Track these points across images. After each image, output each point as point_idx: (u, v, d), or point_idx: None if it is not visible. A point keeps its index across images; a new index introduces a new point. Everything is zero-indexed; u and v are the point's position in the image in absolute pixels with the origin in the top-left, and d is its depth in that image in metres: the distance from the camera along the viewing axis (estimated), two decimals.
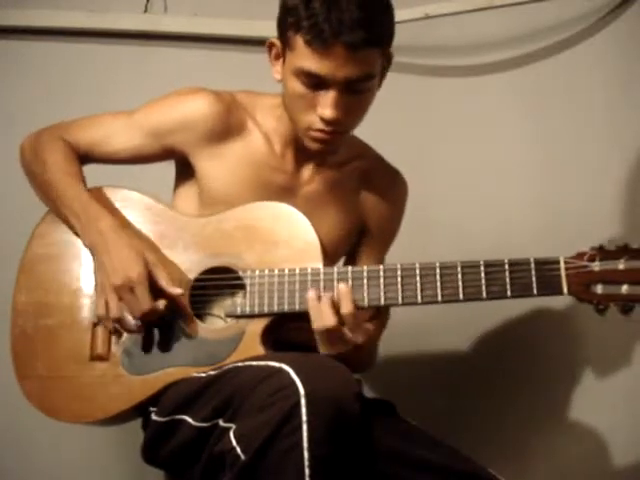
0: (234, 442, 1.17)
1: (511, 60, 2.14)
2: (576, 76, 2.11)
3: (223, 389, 1.27)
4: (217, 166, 1.46)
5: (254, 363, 1.28)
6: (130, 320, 1.35)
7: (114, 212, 1.45)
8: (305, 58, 1.31)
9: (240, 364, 1.30)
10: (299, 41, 1.31)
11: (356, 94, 1.35)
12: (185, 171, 1.51)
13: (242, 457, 1.15)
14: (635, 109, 2.05)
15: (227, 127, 1.46)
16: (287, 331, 1.42)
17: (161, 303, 1.36)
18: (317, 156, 1.48)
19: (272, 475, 1.14)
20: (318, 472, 1.12)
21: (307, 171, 1.51)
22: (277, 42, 1.39)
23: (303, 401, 1.13)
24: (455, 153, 2.10)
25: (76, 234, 1.43)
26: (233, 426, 1.20)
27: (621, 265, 1.27)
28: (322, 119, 1.35)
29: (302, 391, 1.13)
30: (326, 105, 1.34)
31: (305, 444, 1.12)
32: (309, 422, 1.12)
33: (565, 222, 2.02)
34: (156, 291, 1.36)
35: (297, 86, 1.35)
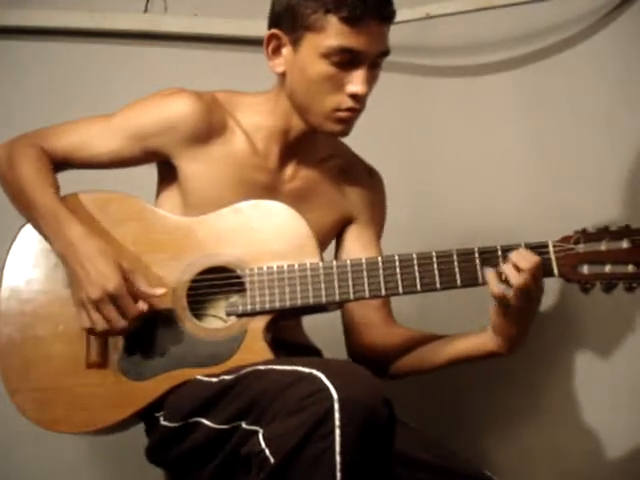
0: (263, 445, 1.16)
1: (511, 60, 2.14)
2: (576, 76, 2.11)
3: (246, 392, 1.26)
4: (200, 167, 1.46)
5: (278, 367, 1.26)
6: (118, 330, 1.34)
7: (90, 219, 1.43)
8: (340, 36, 1.35)
9: (261, 367, 1.29)
10: (331, 20, 1.35)
11: (375, 69, 1.41)
12: (168, 173, 1.50)
13: (271, 460, 1.14)
14: (634, 108, 2.06)
15: (209, 127, 1.45)
16: (279, 330, 1.42)
17: (144, 308, 1.35)
18: (300, 152, 1.50)
19: (303, 479, 1.13)
20: (349, 477, 1.12)
21: (290, 168, 1.52)
22: (280, 32, 1.40)
23: (336, 406, 1.12)
24: (455, 153, 2.10)
25: (49, 243, 1.41)
26: (260, 429, 1.19)
27: (603, 246, 1.35)
28: (353, 96, 1.39)
29: (335, 396, 1.13)
30: (358, 81, 1.38)
31: (337, 448, 1.11)
32: (342, 427, 1.11)
33: (564, 220, 2.01)
34: (137, 296, 1.35)
35: (324, 68, 1.37)
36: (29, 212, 1.42)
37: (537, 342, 1.97)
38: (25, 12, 2.07)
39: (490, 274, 1.32)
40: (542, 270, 1.32)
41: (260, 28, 2.02)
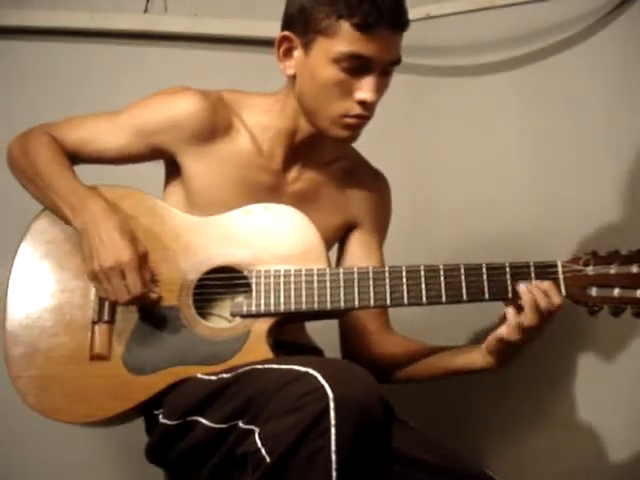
0: (259, 444, 1.17)
1: (511, 60, 2.14)
2: (576, 76, 2.11)
3: (243, 391, 1.26)
4: (204, 166, 1.46)
5: (275, 366, 1.26)
6: (123, 300, 1.35)
7: (109, 203, 1.43)
8: (352, 42, 1.34)
9: (259, 366, 1.29)
10: (344, 26, 1.34)
11: (385, 77, 1.41)
12: (174, 171, 1.51)
13: (267, 459, 1.15)
14: (634, 109, 2.06)
15: (214, 126, 1.46)
16: (282, 331, 1.42)
17: (154, 293, 1.37)
18: (306, 154, 1.50)
19: (298, 478, 1.13)
20: (345, 475, 1.12)
21: (294, 170, 1.52)
22: (292, 35, 1.40)
23: (332, 405, 1.12)
24: (455, 152, 2.10)
25: (67, 223, 1.42)
26: (256, 428, 1.20)
27: (612, 270, 1.34)
28: (362, 103, 1.38)
29: (331, 395, 1.13)
30: (367, 89, 1.37)
31: (333, 447, 1.11)
32: (337, 426, 1.12)
33: (564, 220, 2.03)
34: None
35: (334, 73, 1.37)
36: (47, 195, 1.43)
37: (538, 345, 1.97)
38: (25, 12, 2.07)
39: (511, 314, 1.33)
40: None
41: (260, 28, 2.05)
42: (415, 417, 1.47)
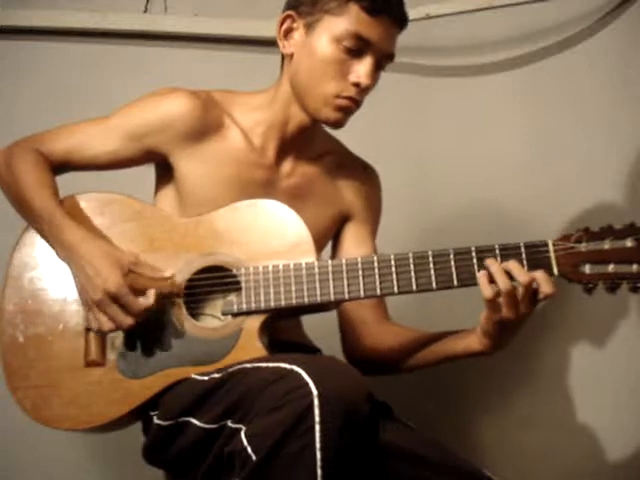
0: (245, 442, 1.16)
1: (511, 60, 2.14)
2: (576, 76, 2.11)
3: (232, 390, 1.26)
4: (197, 165, 1.46)
5: (262, 365, 1.27)
6: (125, 327, 1.35)
7: (89, 220, 1.43)
8: (358, 22, 1.39)
9: (248, 365, 1.29)
10: (352, 8, 1.40)
11: (378, 70, 1.45)
12: (165, 173, 1.51)
13: (253, 457, 1.14)
14: (634, 108, 2.06)
15: (205, 125, 1.46)
16: (278, 330, 1.43)
17: (150, 297, 1.35)
18: (297, 147, 1.51)
19: (284, 476, 1.13)
20: (330, 473, 1.12)
21: (287, 164, 1.52)
22: (295, 14, 1.44)
23: (316, 402, 1.12)
24: (455, 152, 2.10)
25: (51, 246, 1.42)
26: (243, 427, 1.20)
27: (606, 245, 1.31)
28: (356, 85, 1.42)
29: (315, 392, 1.13)
30: (363, 72, 1.41)
31: (318, 444, 1.11)
32: (322, 423, 1.11)
33: (564, 219, 2.02)
34: (146, 286, 1.36)
35: (334, 51, 1.41)
36: (27, 214, 1.44)
37: (537, 342, 1.98)
38: (25, 12, 2.07)
39: (482, 278, 1.31)
40: (533, 292, 1.30)
41: (260, 28, 2.06)
42: (415, 417, 1.47)
